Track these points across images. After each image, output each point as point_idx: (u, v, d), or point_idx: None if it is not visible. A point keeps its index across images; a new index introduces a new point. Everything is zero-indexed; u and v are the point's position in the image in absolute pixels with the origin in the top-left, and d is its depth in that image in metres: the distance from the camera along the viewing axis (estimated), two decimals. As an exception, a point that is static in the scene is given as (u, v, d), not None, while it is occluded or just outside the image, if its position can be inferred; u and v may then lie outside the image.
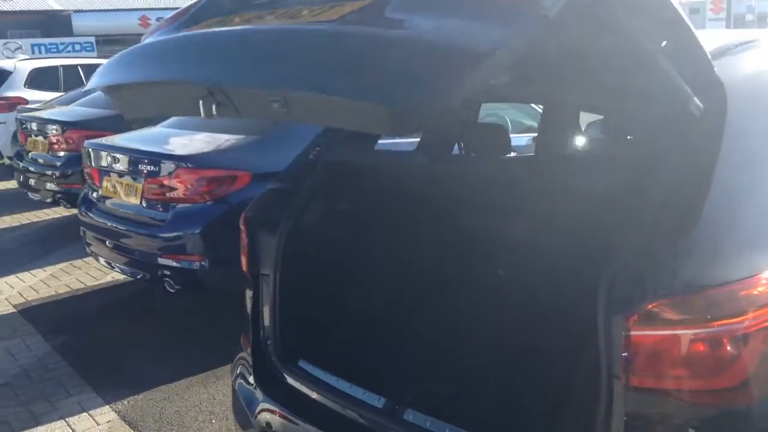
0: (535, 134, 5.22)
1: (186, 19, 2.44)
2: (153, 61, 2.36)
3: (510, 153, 3.78)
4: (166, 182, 5.30)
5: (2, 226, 9.18)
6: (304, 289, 3.12)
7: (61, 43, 32.30)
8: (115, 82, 2.49)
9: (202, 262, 5.16)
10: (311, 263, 3.14)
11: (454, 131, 3.81)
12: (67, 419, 4.39)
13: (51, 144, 8.47)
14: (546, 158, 3.14)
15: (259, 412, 2.96)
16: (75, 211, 6.56)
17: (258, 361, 3.12)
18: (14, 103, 12.14)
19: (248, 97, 2.12)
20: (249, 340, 3.20)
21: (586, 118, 4.71)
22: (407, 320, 3.23)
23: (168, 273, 5.25)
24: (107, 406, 4.50)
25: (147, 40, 2.50)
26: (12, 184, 10.41)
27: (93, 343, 5.47)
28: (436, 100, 1.62)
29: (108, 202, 5.89)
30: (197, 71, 2.17)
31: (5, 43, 31.57)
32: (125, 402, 4.53)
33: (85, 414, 4.43)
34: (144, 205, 5.48)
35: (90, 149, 6.12)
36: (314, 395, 2.86)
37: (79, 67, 13.50)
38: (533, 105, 6.53)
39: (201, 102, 2.11)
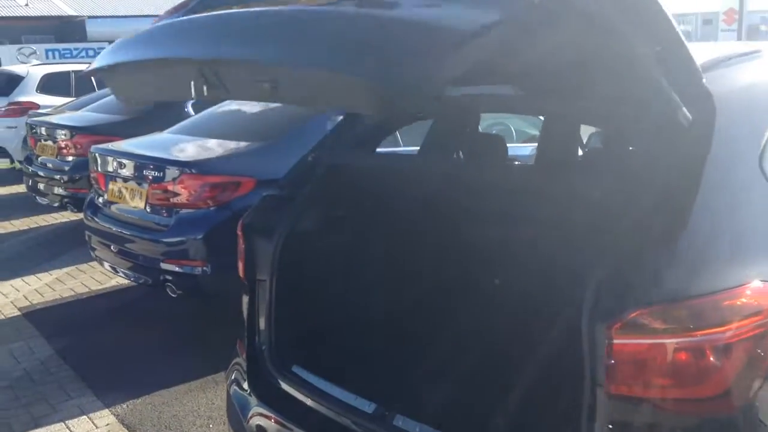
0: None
1: (186, 11, 2.48)
2: (147, 43, 2.44)
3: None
4: (170, 188, 5.33)
5: (10, 230, 9.25)
6: (300, 295, 3.14)
7: (75, 49, 32.42)
8: (110, 63, 2.55)
9: (204, 268, 5.19)
10: (307, 269, 3.16)
11: (452, 133, 3.80)
12: (66, 422, 4.42)
13: (60, 148, 8.53)
14: (536, 166, 3.15)
15: (251, 417, 2.98)
16: (82, 215, 6.61)
17: (253, 367, 3.14)
18: (26, 108, 12.21)
19: (238, 77, 2.16)
20: (244, 346, 3.22)
21: (587, 128, 4.73)
22: (401, 326, 3.24)
23: (170, 278, 5.28)
24: (107, 410, 4.53)
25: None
26: (21, 188, 10.48)
27: (95, 347, 5.50)
28: (423, 77, 1.66)
29: (113, 207, 5.93)
30: (189, 49, 2.23)
31: (20, 49, 31.75)
32: (124, 406, 4.56)
33: (84, 417, 4.46)
34: (148, 210, 5.52)
35: (97, 154, 6.18)
36: (307, 401, 2.88)
37: (90, 73, 13.56)
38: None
39: (192, 83, 2.15)
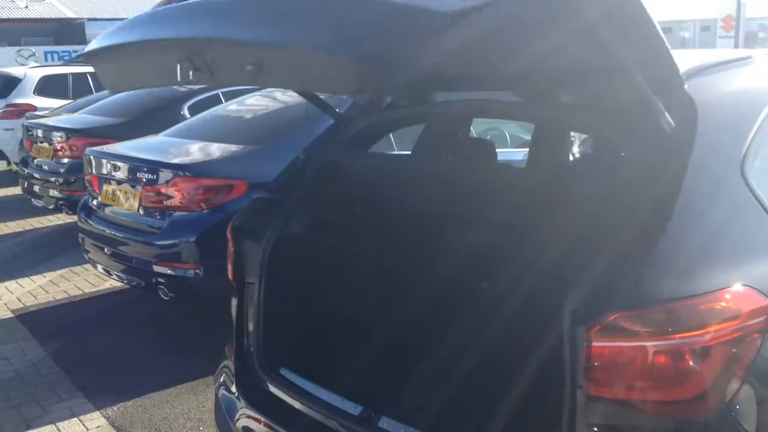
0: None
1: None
2: (135, 28, 2.48)
3: None
4: (163, 190, 5.34)
5: (6, 232, 9.25)
6: (288, 299, 3.16)
7: (74, 51, 32.43)
8: (99, 47, 2.58)
9: (197, 270, 5.20)
10: (296, 272, 3.17)
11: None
12: (57, 424, 4.42)
13: (55, 151, 8.52)
14: (523, 171, 3.17)
15: (238, 419, 3.00)
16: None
17: (241, 369, 3.15)
18: (23, 110, 12.20)
19: (223, 59, 2.18)
20: (233, 348, 3.23)
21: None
22: (388, 330, 3.25)
23: (163, 281, 5.29)
24: (97, 412, 4.53)
25: None
26: (17, 191, 10.50)
27: (87, 349, 5.51)
28: (405, 57, 1.68)
29: (107, 210, 5.93)
30: (175, 30, 2.25)
31: (19, 51, 31.80)
32: (115, 408, 4.57)
33: (75, 419, 4.47)
34: (141, 212, 5.52)
35: (91, 157, 6.18)
36: (295, 403, 2.89)
37: (88, 75, 13.58)
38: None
39: (179, 66, 2.17)
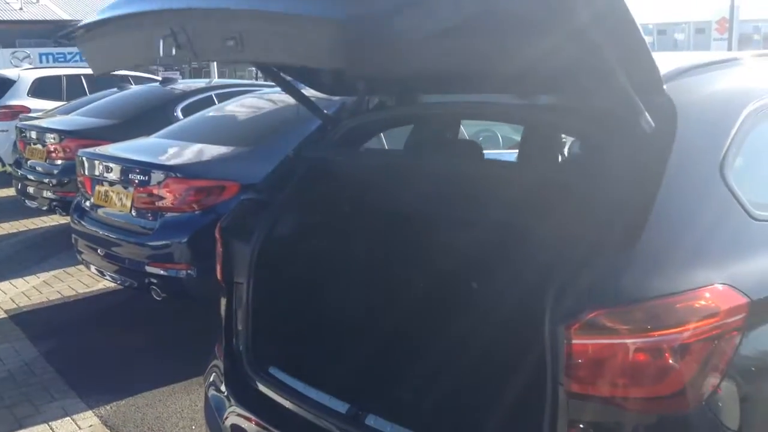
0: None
1: None
2: (118, 5, 2.48)
3: None
4: (155, 191, 5.37)
5: (-1, 233, 9.28)
6: (276, 298, 3.18)
7: (69, 53, 32.44)
8: (86, 26, 2.61)
9: (189, 271, 5.22)
10: (284, 272, 3.20)
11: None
12: (50, 423, 4.44)
13: (49, 152, 8.54)
14: (509, 172, 3.20)
15: (226, 417, 3.02)
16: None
17: (230, 368, 3.18)
18: (17, 112, 12.22)
19: (204, 34, 2.20)
20: (222, 348, 3.25)
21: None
22: (376, 329, 3.29)
23: (155, 281, 5.31)
24: (90, 411, 4.56)
25: None
26: (11, 192, 10.51)
27: (80, 349, 5.53)
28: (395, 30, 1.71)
29: (99, 211, 5.95)
30: (157, 2, 2.27)
31: (14, 52, 31.80)
32: (108, 407, 4.59)
33: (68, 418, 4.49)
34: (133, 213, 5.54)
35: (84, 158, 6.20)
36: (283, 402, 2.91)
37: (82, 77, 13.60)
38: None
39: (161, 41, 2.19)
